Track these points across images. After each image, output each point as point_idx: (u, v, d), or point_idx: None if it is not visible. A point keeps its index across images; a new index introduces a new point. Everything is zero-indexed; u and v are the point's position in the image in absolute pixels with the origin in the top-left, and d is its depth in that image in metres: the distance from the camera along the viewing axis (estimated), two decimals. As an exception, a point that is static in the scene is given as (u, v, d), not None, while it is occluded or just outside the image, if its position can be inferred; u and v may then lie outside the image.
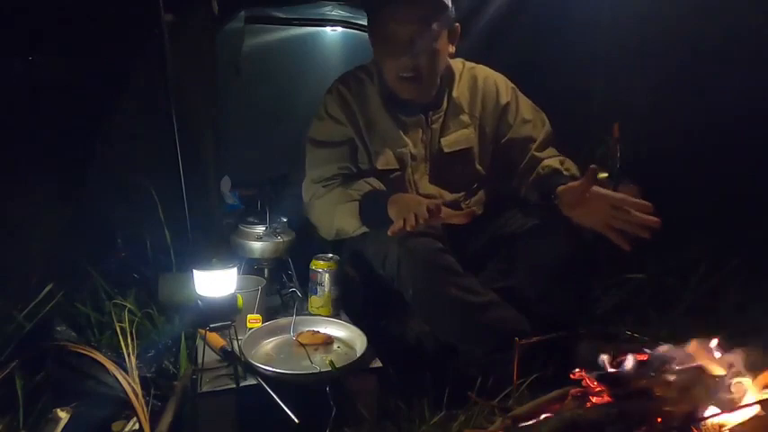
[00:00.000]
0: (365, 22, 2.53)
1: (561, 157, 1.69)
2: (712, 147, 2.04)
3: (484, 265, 1.68)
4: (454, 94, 1.69)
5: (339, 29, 2.67)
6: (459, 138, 1.70)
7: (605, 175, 1.64)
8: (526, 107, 1.73)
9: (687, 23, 2.03)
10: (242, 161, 2.39)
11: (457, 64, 1.74)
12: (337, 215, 1.60)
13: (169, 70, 1.82)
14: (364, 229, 1.59)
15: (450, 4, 1.60)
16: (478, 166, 1.73)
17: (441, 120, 1.69)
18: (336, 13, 2.50)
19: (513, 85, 1.75)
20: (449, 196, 1.69)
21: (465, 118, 1.70)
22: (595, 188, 1.43)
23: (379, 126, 1.67)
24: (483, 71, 1.75)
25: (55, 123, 1.82)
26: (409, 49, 1.55)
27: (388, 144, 1.67)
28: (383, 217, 1.49)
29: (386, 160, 1.66)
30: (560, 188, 1.50)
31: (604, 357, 1.16)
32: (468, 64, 1.76)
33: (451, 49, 1.65)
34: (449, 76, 1.70)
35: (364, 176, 1.64)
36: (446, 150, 1.69)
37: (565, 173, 1.62)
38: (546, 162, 1.66)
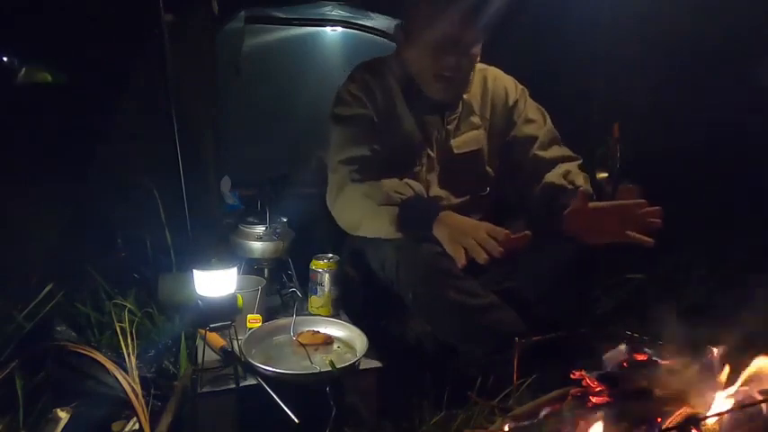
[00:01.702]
0: (365, 22, 2.56)
1: (567, 167, 1.64)
2: (712, 147, 2.04)
3: (484, 268, 1.67)
4: (467, 95, 1.69)
5: (339, 29, 2.67)
6: (468, 139, 1.69)
7: (605, 175, 1.64)
8: (532, 107, 1.73)
9: (687, 23, 2.03)
10: (242, 161, 2.39)
11: None
12: (375, 214, 1.49)
13: (169, 70, 1.82)
14: (396, 236, 1.48)
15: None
16: (488, 168, 1.73)
17: (455, 121, 1.69)
18: (336, 13, 2.50)
19: (522, 87, 1.75)
20: (455, 200, 1.69)
21: (476, 119, 1.70)
22: (594, 205, 1.41)
23: (399, 119, 1.65)
24: (493, 72, 1.75)
25: (55, 123, 1.83)
26: (455, 50, 1.54)
27: (406, 138, 1.65)
28: (425, 231, 1.43)
29: (404, 153, 1.64)
30: (565, 214, 1.46)
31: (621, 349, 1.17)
32: (480, 65, 1.75)
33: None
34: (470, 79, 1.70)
35: (391, 169, 1.59)
36: (456, 151, 1.68)
37: (569, 186, 1.58)
38: (548, 178, 1.62)
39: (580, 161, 1.68)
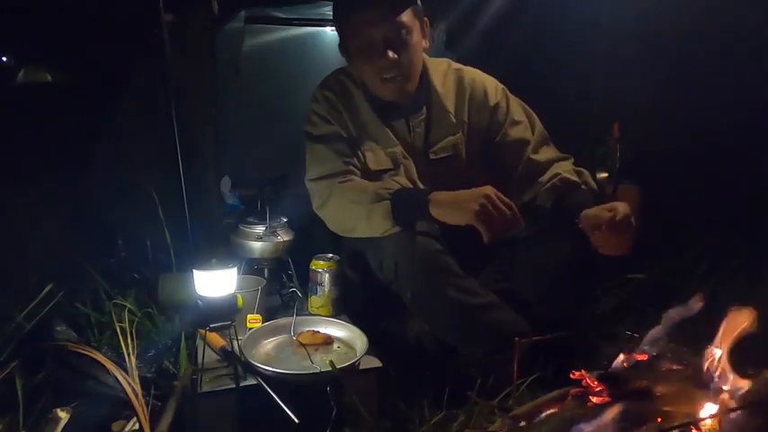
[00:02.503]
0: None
1: (566, 165, 1.63)
2: (712, 146, 2.04)
3: (483, 267, 1.67)
4: (438, 94, 1.65)
5: (339, 29, 2.67)
6: (445, 145, 1.66)
7: (605, 175, 1.64)
8: (516, 108, 1.69)
9: (687, 23, 2.03)
10: (242, 161, 2.39)
11: (442, 65, 1.71)
12: (368, 215, 1.49)
13: (169, 70, 1.82)
14: (394, 230, 1.48)
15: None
16: (467, 173, 1.69)
17: (423, 123, 1.66)
18: (336, 13, 2.50)
19: (503, 87, 1.71)
20: None
21: (452, 120, 1.66)
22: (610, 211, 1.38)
23: (368, 127, 1.64)
24: (470, 72, 1.71)
25: (55, 123, 1.83)
26: (386, 49, 1.51)
27: (379, 144, 1.63)
28: (422, 217, 1.43)
29: (378, 160, 1.63)
30: (585, 213, 1.44)
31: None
32: (455, 65, 1.72)
33: (425, 44, 1.62)
34: (426, 76, 1.66)
35: (370, 177, 1.60)
36: (432, 157, 1.66)
37: (583, 186, 1.57)
38: (563, 175, 1.59)
39: (572, 160, 1.66)
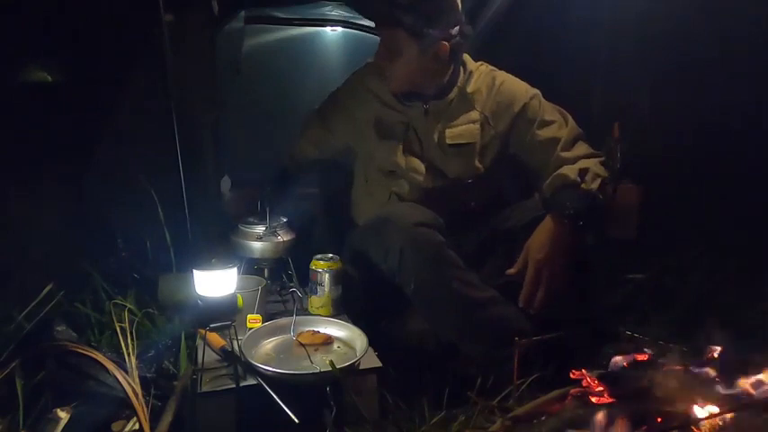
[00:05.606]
0: (365, 22, 2.57)
1: (586, 163, 1.61)
2: (712, 147, 2.04)
3: (483, 262, 1.68)
4: (469, 90, 1.74)
5: (339, 29, 2.67)
6: (463, 132, 1.74)
7: (605, 175, 1.64)
8: (548, 109, 1.73)
9: (687, 23, 2.03)
10: (242, 161, 2.39)
11: (481, 66, 1.80)
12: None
13: (169, 70, 1.82)
14: None
15: (414, 25, 1.61)
16: (477, 164, 1.74)
17: (445, 110, 1.74)
18: (336, 13, 2.50)
19: (535, 92, 1.76)
20: (439, 182, 1.74)
21: (475, 114, 1.74)
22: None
23: (384, 101, 1.79)
24: (502, 76, 1.79)
25: (55, 123, 1.82)
26: (382, 52, 1.70)
27: (389, 117, 1.77)
28: None
29: (383, 131, 1.77)
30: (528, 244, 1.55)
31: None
32: (490, 67, 1.82)
33: (442, 56, 1.66)
34: (457, 74, 1.76)
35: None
36: (449, 142, 1.73)
37: (582, 186, 1.55)
38: (562, 171, 1.59)
39: (602, 158, 1.65)
